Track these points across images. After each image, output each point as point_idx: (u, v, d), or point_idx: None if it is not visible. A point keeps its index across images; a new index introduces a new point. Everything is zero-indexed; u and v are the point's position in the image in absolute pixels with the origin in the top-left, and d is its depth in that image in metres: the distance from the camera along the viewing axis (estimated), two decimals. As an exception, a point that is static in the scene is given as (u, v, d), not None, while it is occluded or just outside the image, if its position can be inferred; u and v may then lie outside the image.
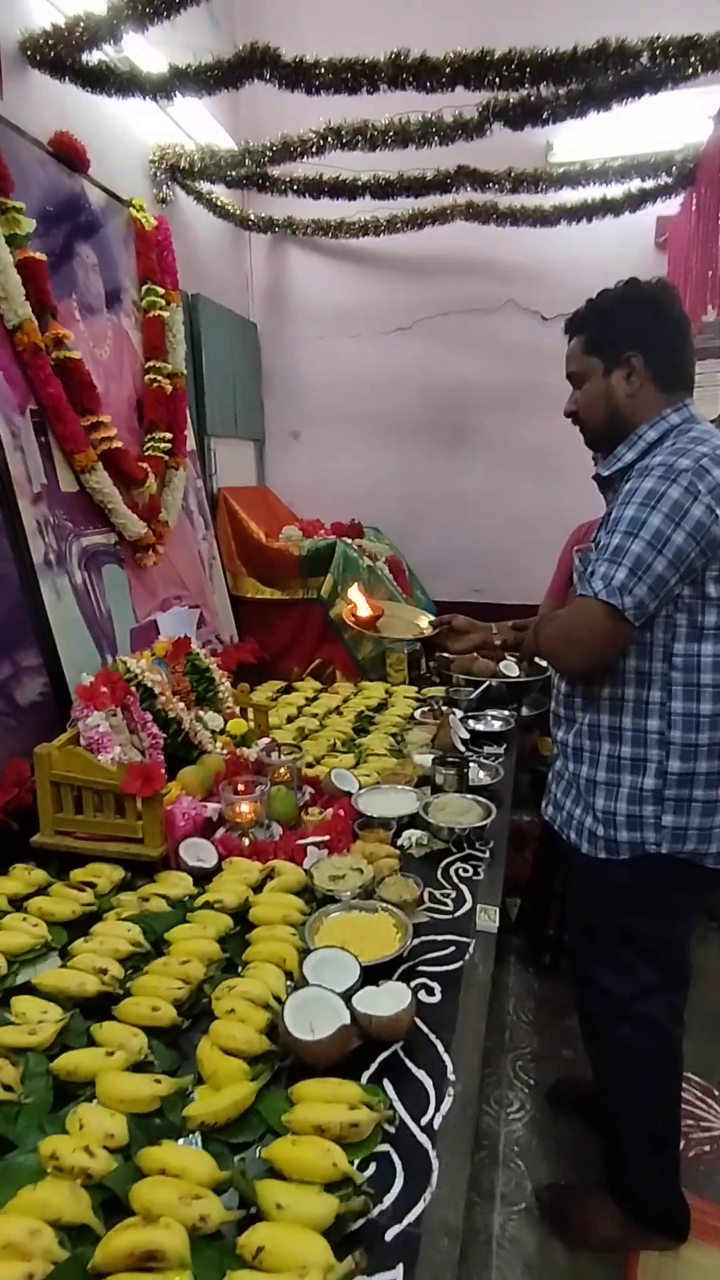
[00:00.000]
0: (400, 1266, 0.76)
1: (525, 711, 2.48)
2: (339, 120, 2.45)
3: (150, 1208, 0.77)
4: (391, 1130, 0.91)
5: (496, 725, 2.30)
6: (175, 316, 2.56)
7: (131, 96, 2.16)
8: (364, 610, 1.63)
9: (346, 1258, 0.73)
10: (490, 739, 2.23)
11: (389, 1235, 0.79)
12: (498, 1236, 1.48)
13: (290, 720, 2.42)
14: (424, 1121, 0.93)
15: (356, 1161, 0.85)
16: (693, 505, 1.15)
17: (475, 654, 2.08)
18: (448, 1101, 0.97)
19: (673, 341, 1.29)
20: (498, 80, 1.95)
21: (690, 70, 1.88)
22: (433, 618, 1.59)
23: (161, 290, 2.50)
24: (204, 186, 2.97)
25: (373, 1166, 0.87)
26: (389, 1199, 0.83)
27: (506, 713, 2.39)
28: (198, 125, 2.82)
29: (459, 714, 2.29)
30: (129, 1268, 0.72)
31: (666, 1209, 1.44)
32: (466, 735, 2.14)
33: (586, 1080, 1.56)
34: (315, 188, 2.95)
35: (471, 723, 2.28)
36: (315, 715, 2.46)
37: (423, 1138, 0.91)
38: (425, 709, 2.45)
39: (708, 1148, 1.66)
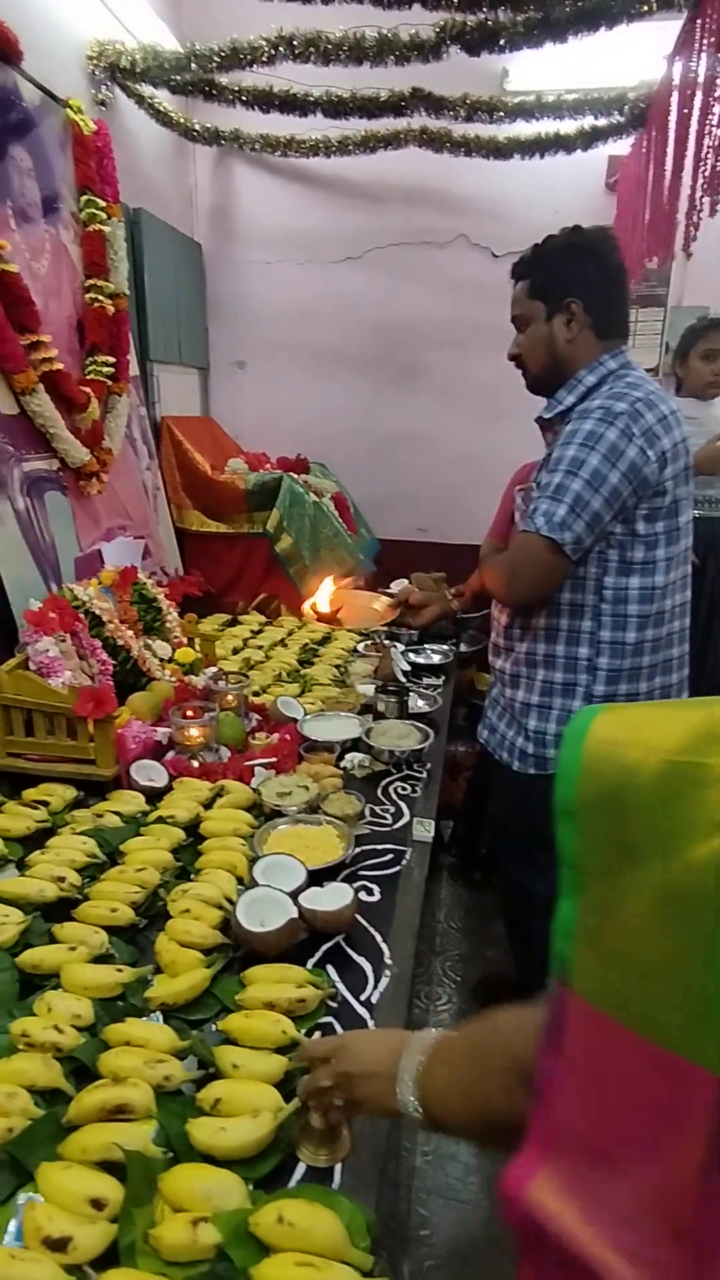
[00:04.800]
0: (341, 1109, 0.87)
1: (464, 648, 2.59)
2: (290, 29, 2.34)
3: (118, 1071, 0.87)
4: (334, 1005, 1.03)
5: (436, 658, 2.41)
6: (117, 232, 2.45)
7: (69, -15, 2.02)
8: (324, 606, 1.71)
9: (293, 1100, 0.84)
10: (429, 671, 2.33)
11: (332, 1087, 0.91)
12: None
13: (236, 652, 2.46)
14: (363, 998, 1.05)
15: (304, 1030, 0.96)
16: (628, 447, 1.23)
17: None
18: (384, 981, 1.08)
19: (611, 290, 1.35)
20: (455, 1, 1.91)
21: (645, 7, 1.87)
22: (387, 600, 1.67)
23: (102, 202, 2.38)
24: (146, 90, 2.81)
25: (317, 1035, 0.98)
26: (332, 1059, 0.94)
27: (446, 647, 2.49)
28: (140, 22, 2.64)
29: (400, 647, 2.38)
30: (100, 1119, 0.81)
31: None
32: (407, 667, 2.23)
33: (506, 975, 1.73)
34: (265, 100, 2.82)
35: (412, 656, 2.37)
36: (261, 647, 2.50)
37: (362, 1010, 1.03)
38: (368, 642, 2.53)
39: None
